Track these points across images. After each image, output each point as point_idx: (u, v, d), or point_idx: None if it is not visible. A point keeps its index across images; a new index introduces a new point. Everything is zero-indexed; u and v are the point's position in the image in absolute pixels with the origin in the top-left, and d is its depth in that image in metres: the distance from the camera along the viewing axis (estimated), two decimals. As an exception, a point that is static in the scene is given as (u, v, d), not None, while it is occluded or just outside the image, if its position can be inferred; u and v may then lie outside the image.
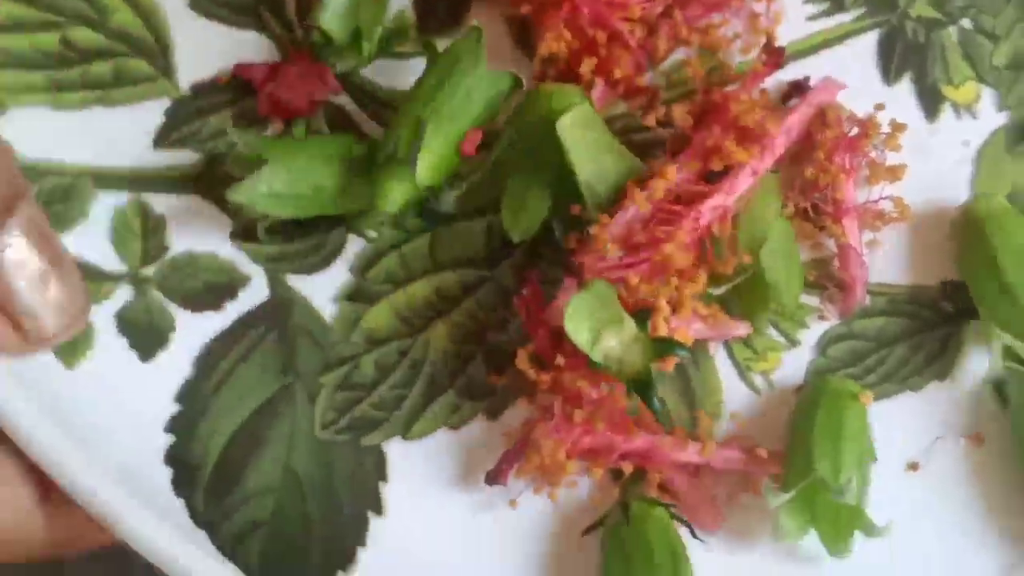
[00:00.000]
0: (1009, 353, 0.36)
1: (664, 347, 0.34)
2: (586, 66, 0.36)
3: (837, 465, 0.34)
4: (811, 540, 0.34)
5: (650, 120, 0.36)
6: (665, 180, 0.34)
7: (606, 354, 0.34)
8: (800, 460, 0.34)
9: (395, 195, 0.35)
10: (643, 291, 0.34)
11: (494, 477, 0.35)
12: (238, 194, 0.35)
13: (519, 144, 0.35)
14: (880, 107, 0.36)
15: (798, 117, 0.36)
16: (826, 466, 0.34)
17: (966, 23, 0.38)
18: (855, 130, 0.36)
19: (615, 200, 0.35)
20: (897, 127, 0.36)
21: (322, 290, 0.36)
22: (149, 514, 0.34)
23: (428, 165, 0.35)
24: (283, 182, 0.35)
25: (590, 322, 0.33)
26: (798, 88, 0.37)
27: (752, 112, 0.35)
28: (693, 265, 0.34)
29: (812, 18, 0.38)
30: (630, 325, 0.34)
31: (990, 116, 0.38)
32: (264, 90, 0.37)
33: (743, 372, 0.36)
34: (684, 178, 0.35)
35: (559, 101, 0.35)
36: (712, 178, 0.35)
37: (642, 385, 0.33)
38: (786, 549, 0.35)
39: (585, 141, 0.35)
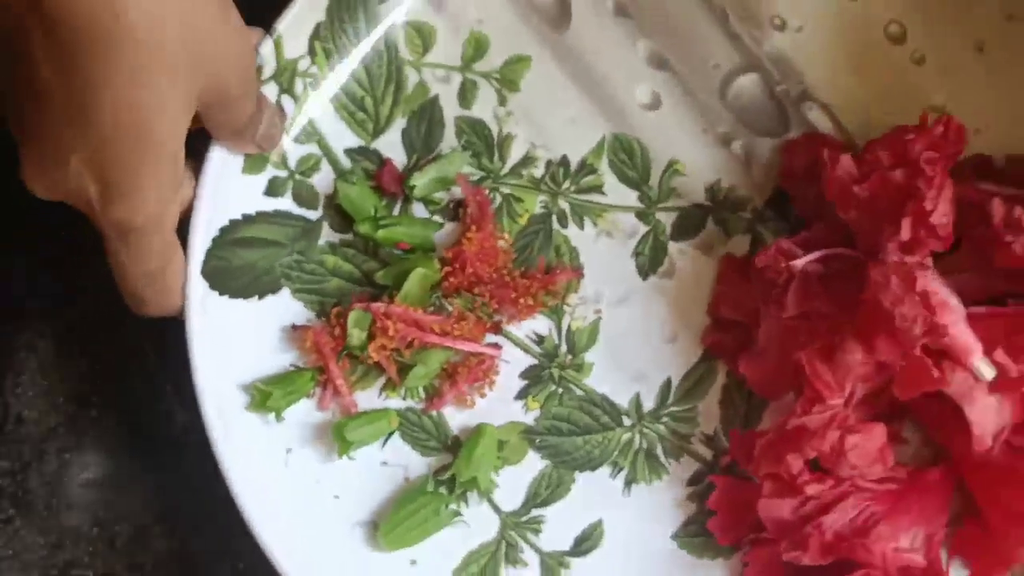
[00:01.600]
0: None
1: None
2: (447, 270, 0.89)
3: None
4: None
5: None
6: (398, 313, 0.87)
7: (353, 343, 0.88)
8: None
9: (365, 228, 0.89)
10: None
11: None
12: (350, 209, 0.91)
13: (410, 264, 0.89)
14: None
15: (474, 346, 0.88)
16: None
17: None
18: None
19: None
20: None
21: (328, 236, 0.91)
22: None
23: (383, 235, 0.89)
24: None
25: (359, 329, 0.88)
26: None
27: (464, 328, 0.88)
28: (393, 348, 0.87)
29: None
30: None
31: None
32: (381, 172, 0.92)
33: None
34: (422, 320, 0.88)
35: (426, 264, 0.89)
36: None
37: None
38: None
39: (414, 282, 0.88)
